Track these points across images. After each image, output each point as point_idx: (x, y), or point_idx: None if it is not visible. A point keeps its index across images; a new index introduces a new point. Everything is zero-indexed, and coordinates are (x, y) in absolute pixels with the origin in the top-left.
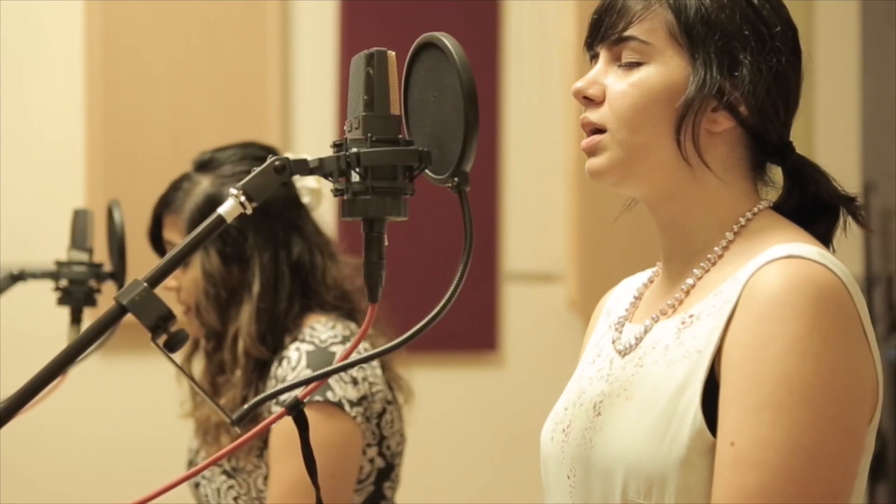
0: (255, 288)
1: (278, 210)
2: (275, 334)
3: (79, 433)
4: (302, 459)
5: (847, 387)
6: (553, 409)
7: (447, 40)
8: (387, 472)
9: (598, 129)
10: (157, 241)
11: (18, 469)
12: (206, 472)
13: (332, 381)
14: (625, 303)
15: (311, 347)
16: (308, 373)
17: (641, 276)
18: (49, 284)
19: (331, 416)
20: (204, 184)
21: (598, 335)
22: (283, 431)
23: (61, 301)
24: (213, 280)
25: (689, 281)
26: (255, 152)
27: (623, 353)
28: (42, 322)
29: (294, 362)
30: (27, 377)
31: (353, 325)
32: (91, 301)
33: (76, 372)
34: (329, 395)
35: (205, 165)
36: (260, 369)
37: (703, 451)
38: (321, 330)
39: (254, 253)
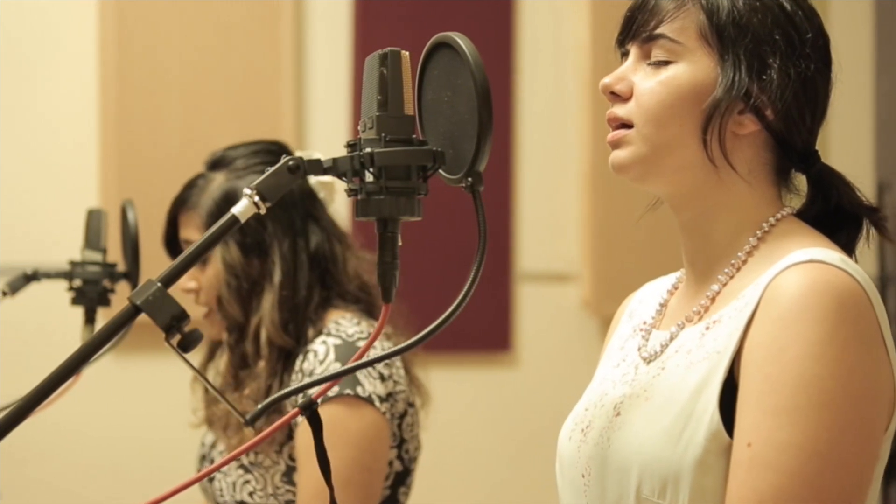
0: (277, 276)
1: (295, 199)
2: (296, 323)
3: (92, 433)
4: (334, 455)
5: (864, 393)
6: (573, 409)
7: (461, 40)
8: (403, 477)
9: (625, 125)
10: (171, 245)
11: (32, 468)
12: None
13: (360, 375)
14: (649, 308)
15: (338, 341)
16: (337, 366)
17: (665, 282)
18: (63, 284)
19: (361, 409)
20: (219, 179)
21: (621, 338)
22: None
23: (75, 301)
24: (235, 271)
25: (715, 287)
26: (265, 147)
27: (648, 361)
28: (56, 322)
29: (322, 356)
30: (41, 377)
31: (375, 323)
32: (105, 301)
33: (90, 372)
34: (359, 389)
35: (217, 164)
36: (284, 360)
37: (719, 451)
38: (346, 325)
39: (273, 242)
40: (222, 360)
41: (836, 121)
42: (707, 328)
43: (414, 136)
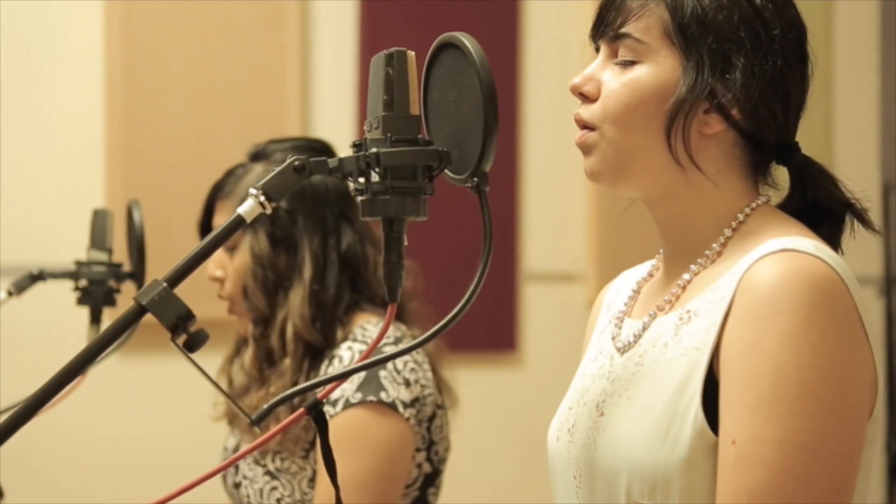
0: (307, 271)
1: (330, 198)
2: (325, 321)
3: (98, 433)
4: (353, 461)
5: (844, 379)
6: (558, 408)
7: (467, 40)
8: (432, 478)
9: (589, 126)
10: (205, 232)
11: (38, 468)
12: (248, 472)
13: (385, 381)
14: (624, 296)
15: (364, 347)
16: (362, 373)
17: (641, 269)
18: (69, 284)
19: (384, 416)
20: (257, 170)
21: (598, 330)
22: (334, 431)
23: (81, 301)
24: (262, 262)
25: (686, 276)
26: (309, 144)
27: (622, 350)
28: (61, 322)
29: (347, 362)
30: (46, 377)
31: (403, 327)
32: (110, 301)
33: (95, 372)
34: (383, 395)
35: (258, 155)
36: (311, 358)
37: (706, 450)
38: (372, 330)
39: (303, 237)
40: (247, 355)
41: (841, 121)
42: (681, 319)
43: (420, 136)
